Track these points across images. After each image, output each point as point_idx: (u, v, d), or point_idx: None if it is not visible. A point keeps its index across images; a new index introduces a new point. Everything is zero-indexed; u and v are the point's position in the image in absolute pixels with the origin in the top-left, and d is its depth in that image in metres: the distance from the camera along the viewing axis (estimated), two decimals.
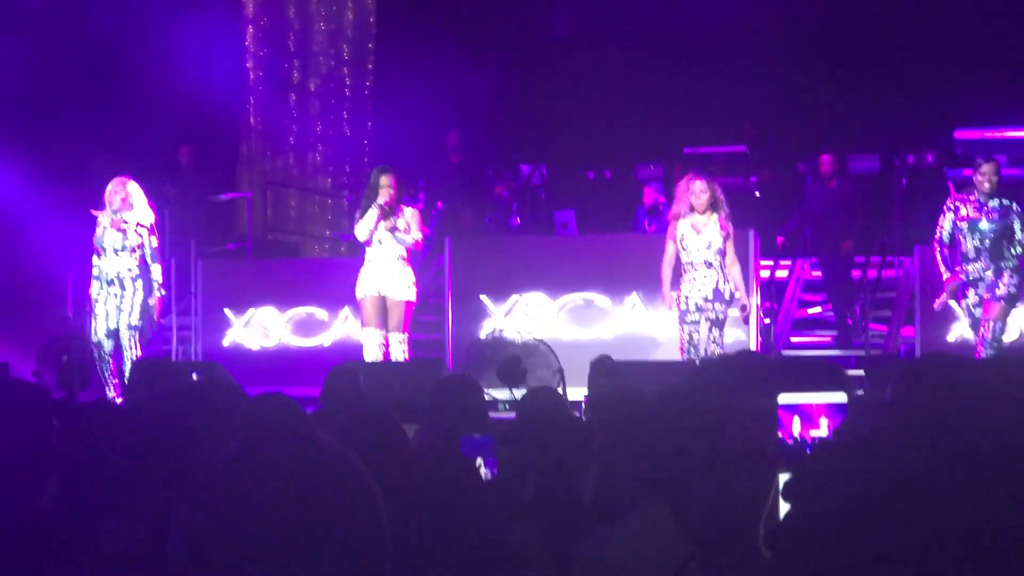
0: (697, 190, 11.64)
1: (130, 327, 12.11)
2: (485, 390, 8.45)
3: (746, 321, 12.09)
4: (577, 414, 8.17)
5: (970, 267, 11.65)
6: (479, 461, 4.58)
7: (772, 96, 17.93)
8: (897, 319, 14.63)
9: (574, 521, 4.36)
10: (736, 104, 17.97)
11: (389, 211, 12.05)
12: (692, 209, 11.65)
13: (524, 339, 12.26)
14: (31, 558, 3.32)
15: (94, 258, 12.28)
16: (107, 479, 3.62)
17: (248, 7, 19.54)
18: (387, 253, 12.10)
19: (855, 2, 18.59)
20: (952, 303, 12.01)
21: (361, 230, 12.16)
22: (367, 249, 12.24)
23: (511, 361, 11.55)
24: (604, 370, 8.55)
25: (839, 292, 14.80)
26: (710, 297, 11.52)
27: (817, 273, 15.26)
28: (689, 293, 11.55)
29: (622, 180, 18.37)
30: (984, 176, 11.70)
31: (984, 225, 11.64)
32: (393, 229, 12.05)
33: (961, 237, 11.71)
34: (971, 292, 11.67)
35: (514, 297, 13.83)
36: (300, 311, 14.54)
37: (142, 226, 12.25)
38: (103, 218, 12.27)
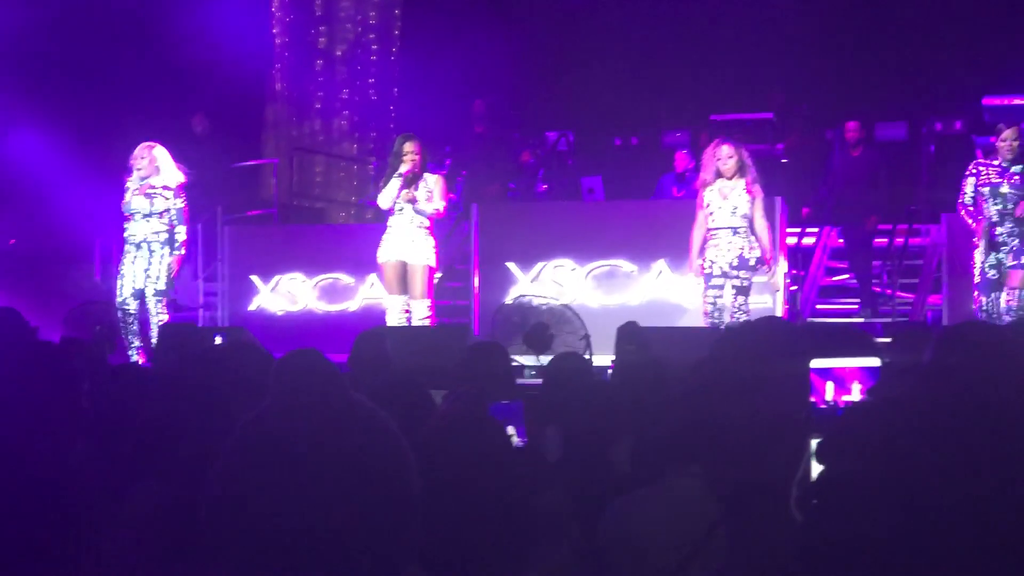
0: (724, 155, 11.61)
1: (156, 292, 12.15)
2: (512, 356, 8.47)
3: (771, 273, 11.94)
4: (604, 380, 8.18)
5: (996, 231, 11.64)
6: (511, 429, 4.59)
7: (800, 63, 17.85)
8: (924, 287, 14.59)
9: (603, 485, 4.37)
10: (763, 71, 17.90)
11: (411, 180, 12.02)
12: (719, 175, 11.61)
13: (551, 305, 12.26)
14: (62, 518, 3.34)
15: (127, 224, 12.32)
16: (138, 440, 3.64)
17: None
18: (409, 220, 12.08)
19: None
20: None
21: (384, 198, 12.15)
22: (390, 216, 12.24)
23: (538, 327, 11.56)
24: (631, 336, 8.54)
25: (859, 261, 14.74)
26: (735, 264, 11.48)
27: (842, 241, 15.21)
28: (715, 259, 11.52)
29: (649, 146, 18.34)
30: (1006, 141, 11.71)
31: (1005, 189, 11.63)
32: (412, 200, 12.00)
33: (984, 202, 11.70)
34: (991, 254, 11.63)
35: (540, 263, 13.82)
36: (326, 277, 14.58)
37: (168, 188, 12.27)
38: (131, 183, 12.31)
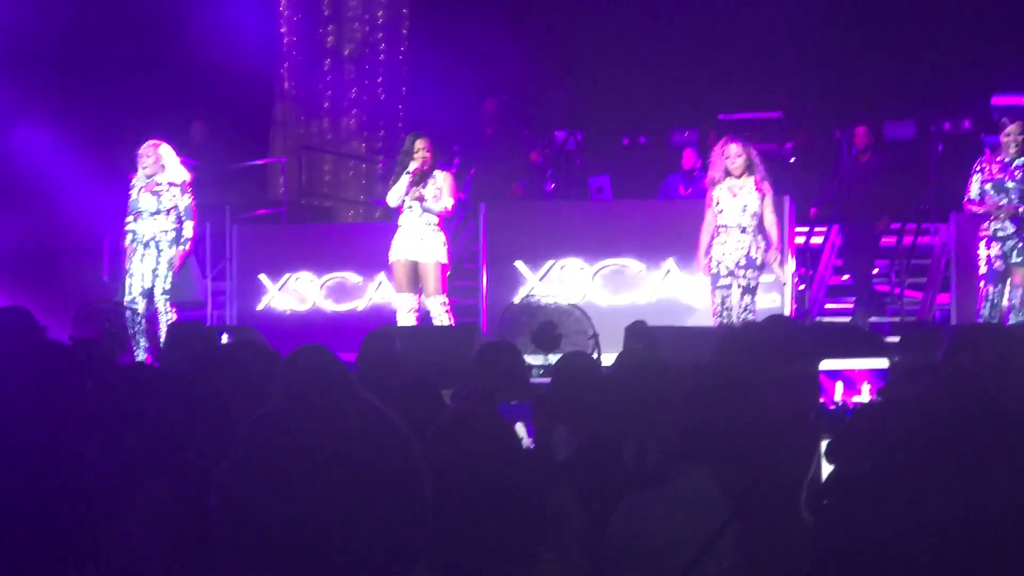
0: (732, 153, 11.61)
1: (164, 291, 12.16)
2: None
3: (782, 262, 11.92)
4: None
5: (997, 226, 11.61)
6: (521, 430, 4.59)
7: (808, 62, 17.84)
8: (932, 286, 14.57)
9: (612, 484, 4.36)
10: (771, 70, 17.88)
11: (420, 178, 12.02)
12: (728, 173, 11.61)
13: (559, 304, 12.25)
14: (73, 516, 3.35)
15: (129, 219, 12.33)
16: (146, 439, 3.64)
17: None
18: (418, 217, 12.08)
19: None
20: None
21: (392, 196, 12.14)
22: (399, 215, 12.23)
23: (546, 326, 11.54)
24: (639, 336, 8.53)
25: (858, 261, 14.66)
26: (742, 263, 11.48)
27: (841, 239, 15.16)
28: (721, 257, 11.52)
29: (657, 146, 18.32)
30: (1009, 136, 11.69)
31: (1009, 185, 11.61)
32: (420, 199, 12.00)
33: (989, 198, 11.67)
34: (995, 245, 11.61)
35: (549, 262, 13.81)
36: (334, 276, 14.56)
37: (174, 185, 12.29)
38: (137, 181, 12.33)
